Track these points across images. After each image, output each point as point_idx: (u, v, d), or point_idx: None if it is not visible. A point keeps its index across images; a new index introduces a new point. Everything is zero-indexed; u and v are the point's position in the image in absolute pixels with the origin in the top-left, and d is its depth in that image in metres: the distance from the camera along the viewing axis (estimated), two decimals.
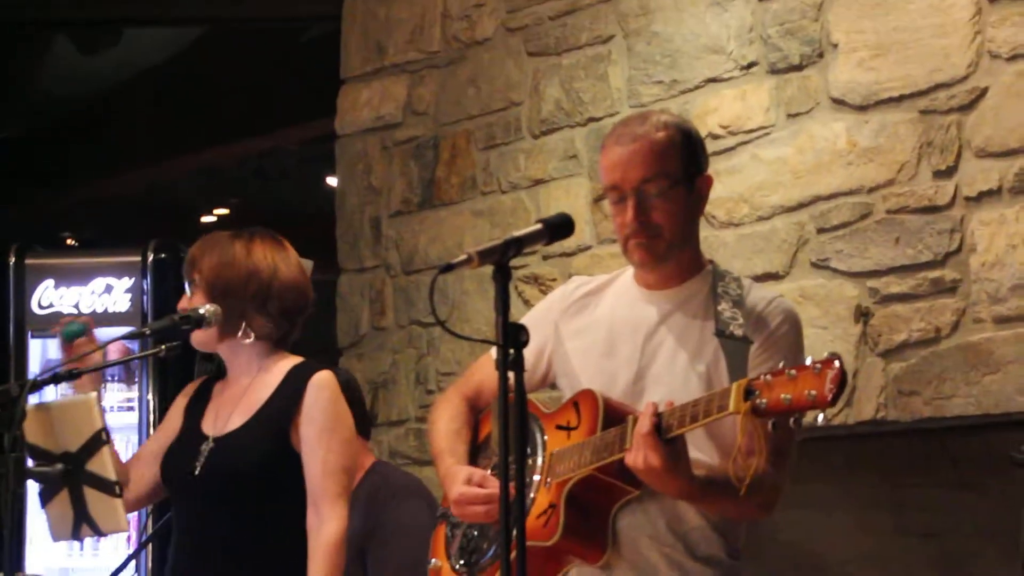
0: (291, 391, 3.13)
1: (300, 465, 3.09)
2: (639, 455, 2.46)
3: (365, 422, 4.08)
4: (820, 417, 2.31)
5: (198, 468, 3.09)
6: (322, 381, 3.13)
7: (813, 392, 2.28)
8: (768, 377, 2.35)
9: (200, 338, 3.16)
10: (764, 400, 2.34)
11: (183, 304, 3.19)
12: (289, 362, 3.20)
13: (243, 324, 3.16)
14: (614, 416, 2.61)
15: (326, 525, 3.05)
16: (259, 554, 3.08)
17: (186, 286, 3.23)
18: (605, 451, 2.58)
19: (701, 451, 2.62)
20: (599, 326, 2.81)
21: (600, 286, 2.89)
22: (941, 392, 3.77)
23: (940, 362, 3.78)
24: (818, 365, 2.30)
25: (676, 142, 2.74)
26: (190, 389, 3.32)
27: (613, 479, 2.60)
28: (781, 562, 4.09)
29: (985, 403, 3.69)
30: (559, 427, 2.71)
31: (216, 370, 3.32)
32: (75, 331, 3.20)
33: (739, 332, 2.62)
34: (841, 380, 2.27)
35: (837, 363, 2.28)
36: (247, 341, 3.17)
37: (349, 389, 3.91)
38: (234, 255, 3.19)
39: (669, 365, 2.70)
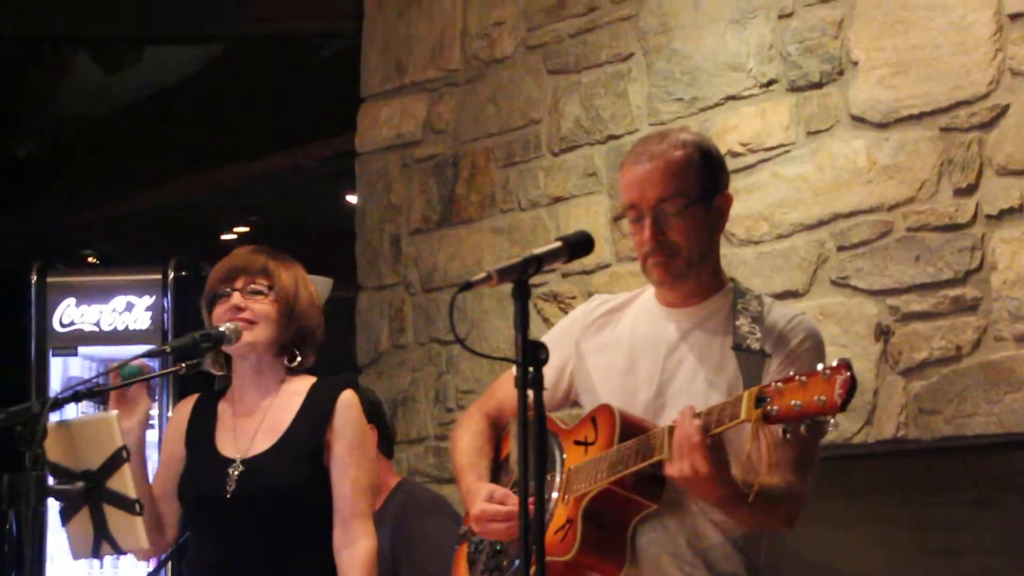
0: (319, 411, 3.12)
1: (328, 484, 3.09)
2: (685, 463, 2.45)
3: (389, 441, 4.09)
4: (832, 421, 2.30)
5: (229, 492, 3.07)
6: (349, 400, 3.15)
7: (823, 397, 2.28)
8: (779, 384, 2.35)
9: (247, 339, 3.10)
10: (775, 407, 2.34)
11: (238, 302, 3.12)
12: (306, 381, 3.20)
13: (296, 352, 3.17)
14: (631, 430, 2.61)
15: (360, 543, 3.06)
16: (294, 573, 3.06)
17: (241, 286, 3.14)
18: (621, 464, 2.57)
19: None
20: (620, 343, 2.82)
21: (622, 304, 2.89)
22: (962, 411, 3.75)
23: (961, 381, 3.76)
24: (827, 371, 2.30)
25: (694, 160, 2.74)
26: (184, 410, 3.27)
27: (630, 493, 2.60)
28: None
29: (1007, 422, 3.67)
30: (577, 443, 2.71)
31: (211, 391, 3.28)
32: (133, 372, 3.18)
33: (756, 346, 2.63)
34: (851, 385, 2.28)
35: (847, 368, 2.28)
36: (291, 364, 3.17)
37: (374, 406, 3.93)
38: (305, 279, 3.21)
39: (689, 382, 2.70)
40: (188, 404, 3.29)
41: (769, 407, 2.35)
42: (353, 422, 3.13)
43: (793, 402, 2.32)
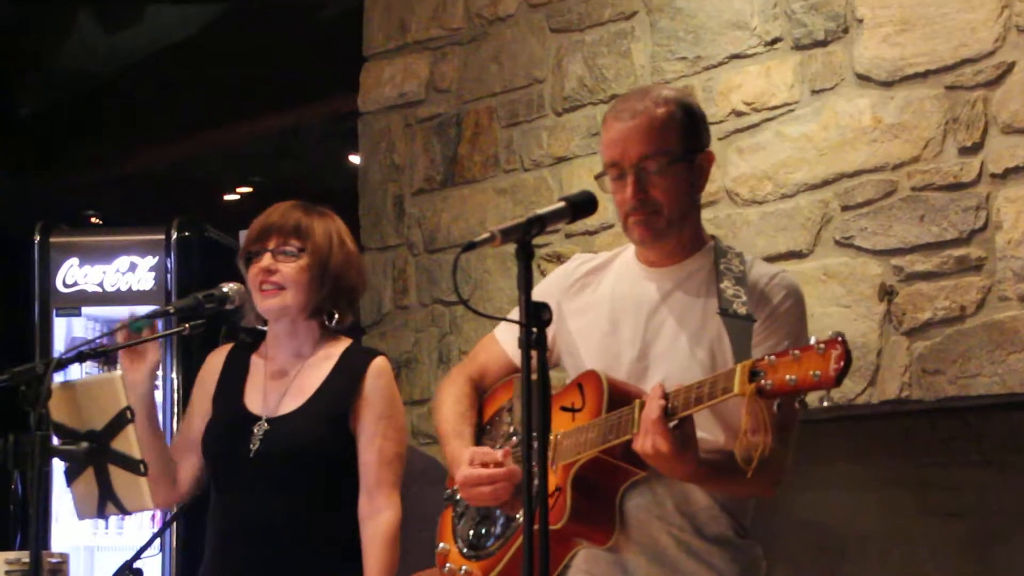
0: (349, 376, 3.10)
1: (354, 450, 3.07)
2: (647, 440, 2.45)
3: None
4: (827, 401, 2.29)
5: (253, 450, 3.06)
6: (381, 368, 3.11)
7: (818, 372, 2.26)
8: (772, 358, 2.33)
9: (276, 305, 3.06)
10: (769, 381, 2.32)
11: (268, 264, 3.06)
12: (340, 345, 3.16)
13: (335, 312, 3.13)
14: (618, 397, 2.59)
15: (382, 514, 3.04)
16: (312, 536, 3.05)
17: (273, 247, 3.08)
18: (611, 433, 2.56)
19: (705, 430, 2.60)
20: (601, 305, 2.80)
21: (602, 264, 2.87)
22: (966, 371, 3.75)
23: (965, 341, 3.76)
24: (821, 345, 2.27)
25: (677, 118, 2.71)
26: (216, 361, 3.23)
27: (619, 461, 2.58)
28: (803, 542, 4.08)
29: (1010, 382, 3.67)
30: (564, 408, 2.69)
31: (244, 342, 3.25)
32: (143, 325, 3.16)
33: (743, 310, 2.60)
34: (846, 359, 2.25)
35: (841, 343, 2.26)
36: (328, 324, 3.13)
37: None
38: (342, 235, 3.15)
39: (672, 343, 2.69)
40: (220, 355, 3.24)
41: (764, 381, 2.32)
42: (382, 391, 3.09)
43: (788, 377, 2.29)
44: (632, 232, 2.72)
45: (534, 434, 2.28)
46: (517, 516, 2.68)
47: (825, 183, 4.07)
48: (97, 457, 3.04)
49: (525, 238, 2.40)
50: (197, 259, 5.64)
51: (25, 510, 3.19)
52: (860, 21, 4.02)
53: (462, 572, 2.78)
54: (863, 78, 4.01)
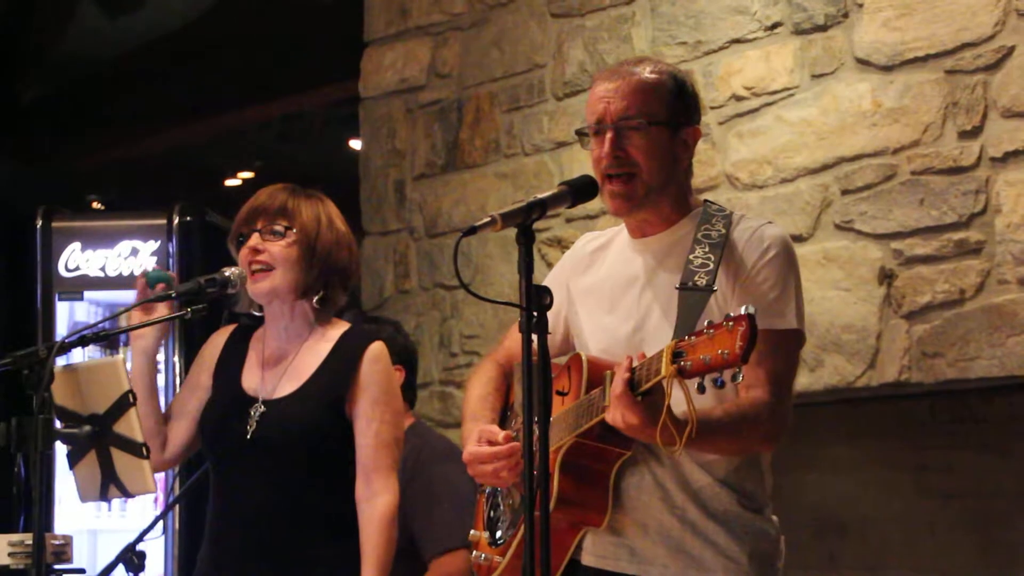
0: (345, 360, 3.09)
1: (351, 434, 3.07)
2: (616, 414, 2.46)
3: (413, 389, 4.07)
4: (740, 376, 2.27)
5: (250, 432, 3.06)
6: (377, 353, 3.11)
7: (726, 351, 2.25)
8: (692, 338, 2.33)
9: (265, 288, 3.07)
10: (688, 362, 2.32)
11: (256, 244, 3.08)
12: (338, 328, 3.16)
13: (323, 292, 3.12)
14: (597, 376, 2.57)
15: (379, 498, 3.04)
16: (307, 518, 3.05)
17: (261, 227, 3.10)
18: (583, 417, 2.57)
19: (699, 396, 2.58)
20: (603, 283, 2.80)
21: (608, 240, 2.87)
22: (965, 354, 3.77)
23: (964, 324, 3.78)
24: (730, 322, 2.27)
25: (666, 85, 2.72)
26: (219, 340, 3.24)
27: (599, 443, 2.57)
28: (802, 524, 4.10)
29: (1009, 364, 3.69)
30: (558, 393, 2.70)
31: (245, 324, 3.26)
32: (160, 276, 3.16)
33: (702, 281, 2.59)
34: (751, 335, 2.23)
35: (746, 318, 2.25)
36: (316, 306, 3.13)
37: (407, 351, 3.94)
38: (331, 216, 3.15)
39: (663, 315, 2.68)
40: (223, 335, 3.25)
41: (684, 362, 2.32)
42: (378, 376, 3.09)
43: (702, 356, 2.29)
44: (608, 203, 2.72)
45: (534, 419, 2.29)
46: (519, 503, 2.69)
47: (825, 167, 4.08)
48: (99, 440, 3.05)
49: (526, 222, 2.41)
50: (199, 244, 5.64)
51: (28, 493, 3.20)
52: (860, 5, 4.02)
53: (483, 559, 2.80)
54: (863, 62, 4.01)
